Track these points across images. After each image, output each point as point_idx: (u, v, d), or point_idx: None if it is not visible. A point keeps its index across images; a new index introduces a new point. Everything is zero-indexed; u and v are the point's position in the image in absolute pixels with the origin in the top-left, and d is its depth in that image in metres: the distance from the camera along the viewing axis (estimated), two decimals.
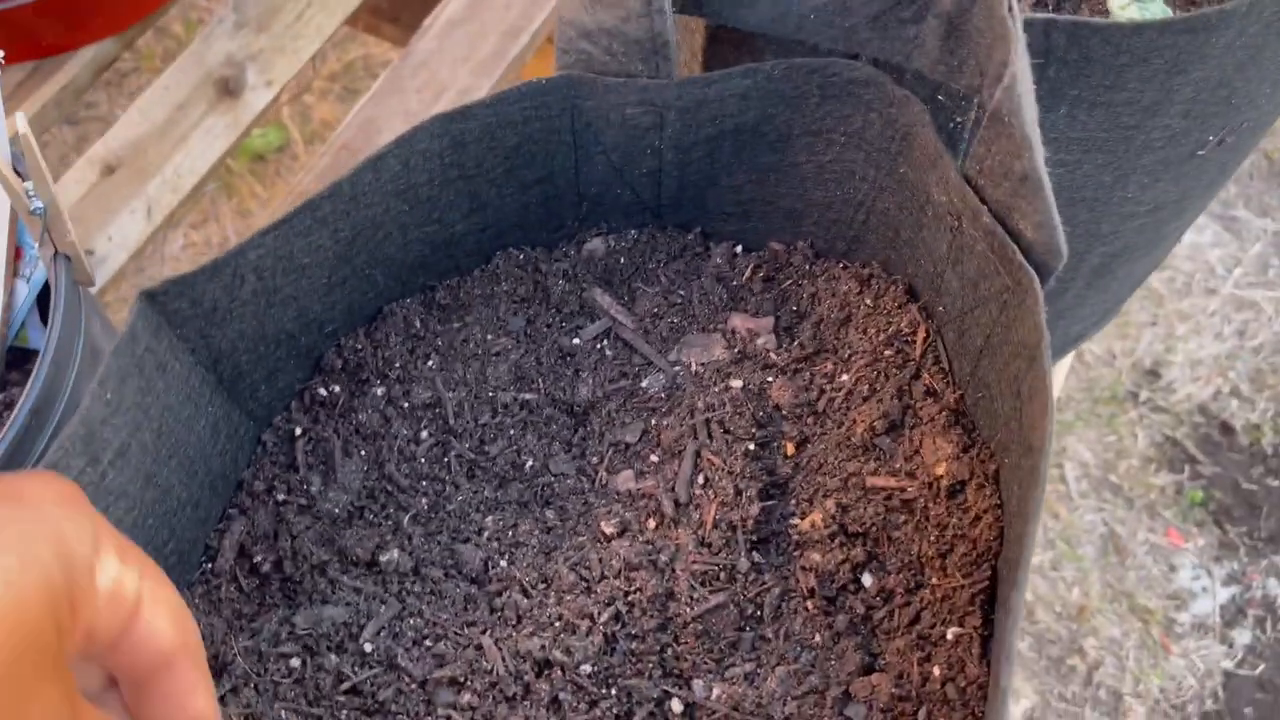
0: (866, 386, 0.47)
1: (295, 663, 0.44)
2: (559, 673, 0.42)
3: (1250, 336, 1.36)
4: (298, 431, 0.49)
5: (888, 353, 0.47)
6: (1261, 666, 1.16)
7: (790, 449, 0.47)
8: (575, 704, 0.41)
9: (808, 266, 0.51)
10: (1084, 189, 0.52)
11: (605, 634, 0.42)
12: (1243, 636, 1.18)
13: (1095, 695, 1.14)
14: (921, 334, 0.46)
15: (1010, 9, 0.37)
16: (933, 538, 0.43)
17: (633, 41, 0.43)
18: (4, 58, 0.51)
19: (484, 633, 0.43)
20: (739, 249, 0.52)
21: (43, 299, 0.53)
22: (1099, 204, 0.53)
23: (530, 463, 0.49)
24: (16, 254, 0.50)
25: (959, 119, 0.42)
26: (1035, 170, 0.36)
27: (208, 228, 1.48)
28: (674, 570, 0.44)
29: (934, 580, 0.42)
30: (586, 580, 0.44)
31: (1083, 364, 1.33)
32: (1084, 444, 1.28)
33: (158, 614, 0.25)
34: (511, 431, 0.49)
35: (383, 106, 0.84)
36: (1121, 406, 1.31)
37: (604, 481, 0.48)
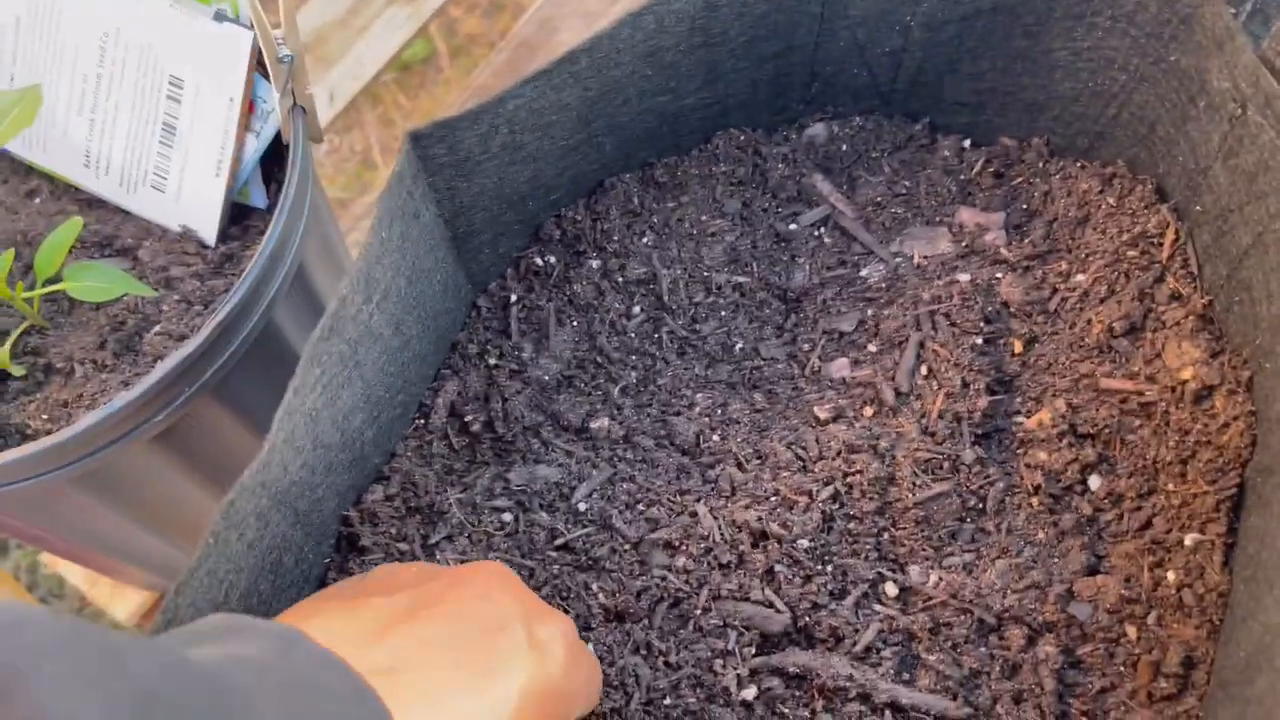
0: (1104, 287, 0.45)
1: (508, 517, 0.45)
2: (775, 545, 0.42)
3: None
4: (512, 298, 0.50)
5: (1130, 254, 0.45)
6: None
7: (1018, 346, 0.45)
8: (790, 576, 0.41)
9: (1041, 164, 0.49)
10: None
11: (823, 512, 0.42)
12: None
13: None
14: (1170, 235, 0.44)
15: None
16: (1172, 443, 0.41)
17: None
18: None
19: (698, 501, 0.44)
20: (967, 143, 0.50)
21: (264, 160, 0.54)
22: None
23: (741, 344, 0.48)
24: (249, 108, 0.52)
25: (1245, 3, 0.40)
26: None
27: (352, 135, 1.51)
28: (895, 456, 0.43)
29: (1170, 486, 0.41)
30: (803, 459, 0.44)
31: None
32: None
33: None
34: (723, 312, 0.49)
35: (561, 4, 0.84)
36: None
37: (816, 368, 0.48)
